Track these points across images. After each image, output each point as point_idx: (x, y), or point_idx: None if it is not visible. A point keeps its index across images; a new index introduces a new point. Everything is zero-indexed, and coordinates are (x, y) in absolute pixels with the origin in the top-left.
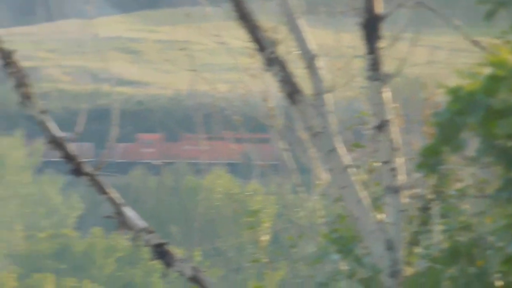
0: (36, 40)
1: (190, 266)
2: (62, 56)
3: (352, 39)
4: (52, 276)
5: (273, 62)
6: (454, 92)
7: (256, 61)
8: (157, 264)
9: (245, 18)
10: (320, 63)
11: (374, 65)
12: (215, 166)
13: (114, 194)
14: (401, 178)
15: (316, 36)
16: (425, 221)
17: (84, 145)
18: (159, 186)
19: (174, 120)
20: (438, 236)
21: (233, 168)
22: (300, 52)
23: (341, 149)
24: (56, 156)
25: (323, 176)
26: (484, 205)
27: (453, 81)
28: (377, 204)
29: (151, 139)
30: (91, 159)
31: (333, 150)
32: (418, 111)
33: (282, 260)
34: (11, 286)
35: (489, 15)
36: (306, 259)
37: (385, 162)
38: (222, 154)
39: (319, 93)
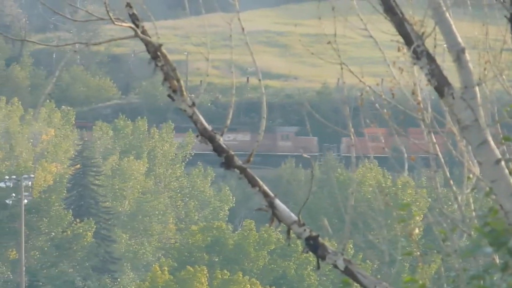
0: (184, 33)
1: (343, 259)
2: (210, 50)
3: (499, 31)
4: (205, 269)
5: (421, 55)
6: None
7: (403, 55)
8: (310, 257)
9: (392, 11)
10: (468, 56)
11: None
12: (365, 160)
13: (265, 187)
14: None
15: (463, 29)
16: None
17: (308, 139)
18: (310, 179)
19: (322, 113)
20: None
21: (383, 162)
22: (448, 45)
23: (491, 143)
24: (206, 149)
25: (474, 169)
26: None
27: None
28: None
29: (377, 133)
30: (314, 153)
31: (483, 143)
32: None
33: (434, 253)
34: (164, 279)
35: None
36: (459, 253)
37: None
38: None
39: (468, 86)
